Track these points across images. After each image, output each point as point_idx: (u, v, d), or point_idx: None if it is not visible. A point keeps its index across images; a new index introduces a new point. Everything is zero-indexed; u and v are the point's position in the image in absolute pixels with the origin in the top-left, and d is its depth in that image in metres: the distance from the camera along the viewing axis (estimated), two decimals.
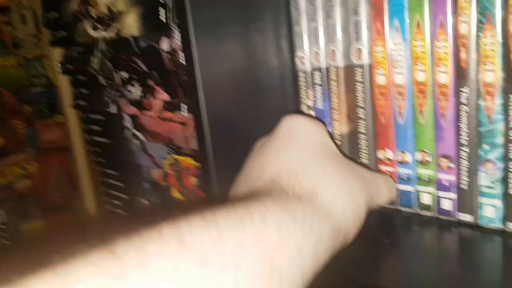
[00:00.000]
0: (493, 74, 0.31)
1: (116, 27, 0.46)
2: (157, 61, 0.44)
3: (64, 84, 1.34)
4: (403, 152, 0.38)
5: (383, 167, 0.40)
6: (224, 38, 0.37)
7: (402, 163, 0.39)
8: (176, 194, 0.52)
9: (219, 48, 0.37)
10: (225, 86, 0.38)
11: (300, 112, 0.44)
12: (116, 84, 0.54)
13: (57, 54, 1.31)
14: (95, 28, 0.51)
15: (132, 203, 0.63)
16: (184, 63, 0.41)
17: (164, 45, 0.42)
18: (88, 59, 0.56)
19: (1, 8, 1.45)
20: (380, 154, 0.40)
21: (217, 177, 0.39)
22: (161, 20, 0.39)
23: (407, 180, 0.39)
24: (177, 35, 0.40)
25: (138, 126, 0.53)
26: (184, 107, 0.42)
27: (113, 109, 0.55)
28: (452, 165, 0.35)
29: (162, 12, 0.39)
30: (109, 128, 0.60)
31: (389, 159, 0.39)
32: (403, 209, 0.40)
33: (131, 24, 0.44)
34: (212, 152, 0.38)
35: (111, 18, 0.47)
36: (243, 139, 0.37)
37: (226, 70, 0.38)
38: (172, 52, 0.41)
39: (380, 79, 0.38)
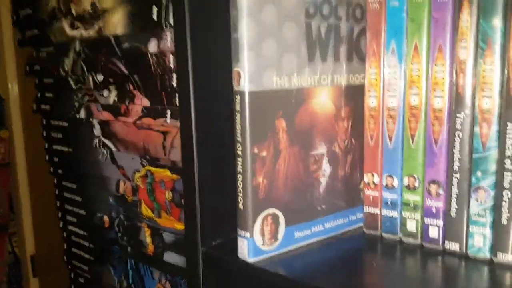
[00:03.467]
0: (490, 101, 0.31)
1: (98, 25, 0.44)
2: (140, 64, 0.42)
3: (12, 98, 1.27)
4: (390, 176, 0.38)
5: (369, 192, 0.39)
6: (218, 40, 0.36)
7: (388, 187, 0.38)
8: (145, 209, 0.48)
9: (212, 51, 0.36)
10: (216, 93, 0.37)
11: None
12: (88, 87, 0.51)
13: (10, 68, 1.25)
14: (73, 26, 0.48)
15: (89, 219, 0.58)
16: (172, 66, 0.39)
17: (152, 47, 0.40)
18: (59, 60, 0.53)
19: None
20: (367, 178, 0.39)
21: (200, 189, 0.36)
22: (153, 19, 0.37)
23: (392, 206, 0.38)
24: (168, 36, 0.38)
25: (108, 133, 0.50)
26: (168, 113, 0.40)
27: (81, 114, 0.52)
28: (442, 192, 0.35)
29: (154, 10, 0.37)
30: (72, 135, 0.56)
31: (374, 183, 0.39)
32: (386, 235, 0.39)
33: (116, 23, 0.42)
34: (197, 163, 0.36)
35: (93, 15, 0.45)
36: (229, 150, 0.35)
37: (217, 75, 0.36)
38: (160, 55, 0.39)
39: (372, 102, 0.38)
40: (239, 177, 0.34)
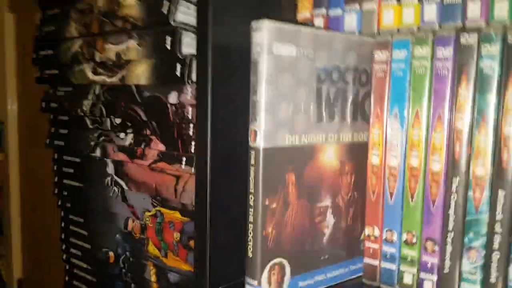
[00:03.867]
0: (483, 169, 0.34)
1: (121, 74, 0.47)
2: (159, 112, 0.45)
3: (10, 121, 1.29)
4: (390, 230, 0.40)
5: (369, 244, 0.41)
6: (235, 99, 0.39)
7: (388, 241, 0.40)
8: (151, 248, 0.50)
9: (230, 108, 0.39)
10: (231, 146, 0.39)
11: None
12: (104, 128, 0.53)
13: (11, 90, 1.27)
14: (95, 72, 0.51)
15: (94, 254, 0.60)
16: (190, 117, 0.42)
17: (172, 98, 0.43)
18: (78, 101, 0.55)
19: None
20: (368, 231, 0.42)
21: (211, 234, 0.39)
22: (176, 75, 0.40)
23: (390, 259, 0.40)
24: (189, 90, 0.41)
25: (121, 173, 0.52)
26: (183, 160, 0.43)
27: (97, 153, 0.54)
28: (437, 249, 0.37)
29: (178, 67, 0.40)
30: (85, 171, 0.59)
31: (375, 236, 0.41)
32: (384, 286, 0.41)
33: (139, 74, 0.45)
34: (209, 208, 0.38)
35: (117, 65, 0.48)
36: (240, 200, 0.38)
37: (232, 129, 0.39)
38: (179, 106, 0.42)
39: (374, 159, 0.41)
40: (250, 226, 0.36)
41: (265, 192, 0.36)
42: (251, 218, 0.36)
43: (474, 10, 0.35)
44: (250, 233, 0.36)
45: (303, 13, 0.45)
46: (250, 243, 0.36)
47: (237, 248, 0.38)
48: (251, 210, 0.36)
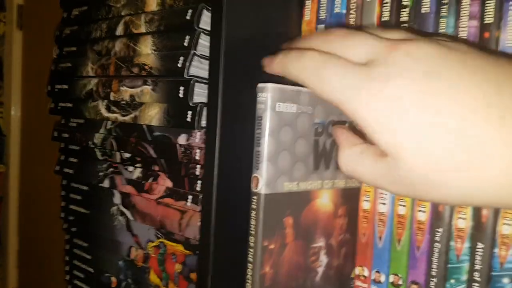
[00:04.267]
0: (464, 222, 0.38)
1: (134, 114, 0.51)
2: (168, 151, 0.48)
3: (13, 134, 1.33)
4: (378, 272, 0.43)
5: (359, 283, 0.44)
6: (241, 146, 0.42)
7: (376, 281, 0.43)
8: (153, 277, 0.53)
9: (237, 154, 0.42)
10: (235, 189, 0.43)
11: None
12: (114, 160, 0.57)
13: (15, 104, 1.31)
14: (109, 109, 0.54)
15: (97, 278, 0.62)
16: (197, 158, 0.45)
17: (181, 140, 0.47)
18: (89, 133, 0.59)
19: None
20: (357, 270, 0.45)
21: (212, 270, 0.42)
22: (187, 121, 0.44)
23: None
24: (198, 134, 0.45)
25: (127, 204, 0.55)
26: (189, 198, 0.46)
27: (105, 184, 0.57)
28: None
29: (189, 114, 0.44)
30: (91, 199, 0.62)
31: (364, 276, 0.44)
32: None
33: (151, 116, 0.48)
34: (213, 247, 0.41)
35: (131, 105, 0.51)
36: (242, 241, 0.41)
37: (236, 173, 0.43)
38: (187, 147, 0.46)
39: (365, 205, 0.44)
40: (249, 266, 0.40)
41: (265, 234, 0.39)
42: (250, 258, 0.39)
43: None
44: (250, 271, 0.39)
45: None
46: (249, 282, 0.39)
47: (235, 284, 0.42)
48: (251, 250, 0.39)
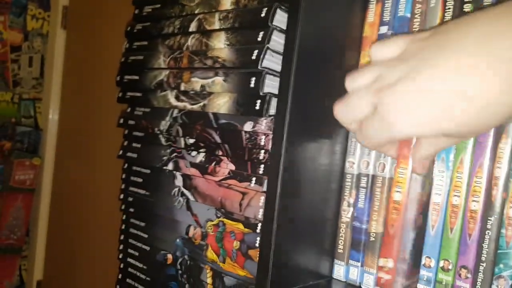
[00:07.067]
0: None
1: (203, 102, 0.55)
2: (233, 137, 0.53)
3: (49, 129, 1.38)
4: (428, 257, 0.46)
5: (383, 274, 0.47)
6: (311, 133, 0.46)
7: (426, 266, 0.46)
8: (210, 253, 0.57)
9: (304, 140, 0.46)
10: (295, 172, 0.47)
11: None
12: (178, 146, 0.61)
13: (54, 101, 1.37)
14: (178, 99, 0.59)
15: (152, 255, 0.67)
16: (263, 144, 0.49)
17: (247, 127, 0.51)
18: (156, 121, 0.64)
19: (14, 47, 1.55)
20: (381, 262, 0.47)
21: (275, 247, 0.45)
22: (255, 109, 0.48)
23: (427, 281, 0.46)
24: (264, 122, 0.49)
25: (189, 185, 0.60)
26: (253, 179, 0.50)
27: (169, 166, 0.62)
28: (469, 276, 0.43)
29: (258, 102, 0.48)
30: (153, 182, 0.66)
31: (389, 268, 0.47)
32: None
33: (220, 104, 0.53)
34: (276, 225, 0.45)
35: (200, 95, 0.56)
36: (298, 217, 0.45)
37: (300, 157, 0.47)
38: (253, 133, 0.50)
39: (397, 196, 0.47)
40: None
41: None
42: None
43: None
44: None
45: None
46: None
47: (295, 260, 0.45)
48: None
